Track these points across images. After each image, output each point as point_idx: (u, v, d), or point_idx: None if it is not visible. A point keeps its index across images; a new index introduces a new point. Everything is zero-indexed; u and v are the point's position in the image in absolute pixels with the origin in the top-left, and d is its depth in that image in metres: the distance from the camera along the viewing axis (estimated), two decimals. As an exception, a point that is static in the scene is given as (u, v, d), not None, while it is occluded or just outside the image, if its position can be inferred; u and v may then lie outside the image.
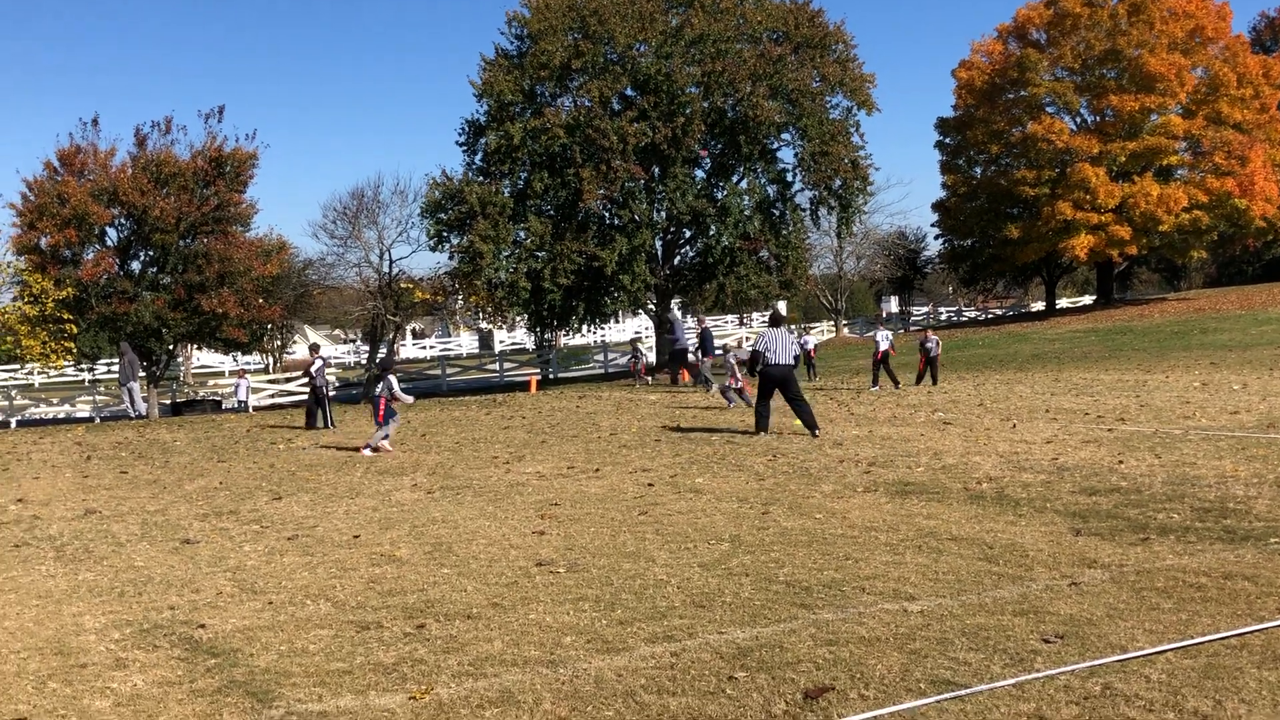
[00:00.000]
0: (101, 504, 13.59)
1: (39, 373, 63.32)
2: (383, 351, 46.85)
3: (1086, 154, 53.98)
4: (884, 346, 27.12)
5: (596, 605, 7.70)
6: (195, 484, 15.18)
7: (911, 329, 65.47)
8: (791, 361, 18.27)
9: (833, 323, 63.49)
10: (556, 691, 5.95)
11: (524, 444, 18.22)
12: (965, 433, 17.22)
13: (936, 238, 65.77)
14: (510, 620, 7.42)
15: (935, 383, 27.00)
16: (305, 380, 23.11)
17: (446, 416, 24.61)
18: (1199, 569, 8.01)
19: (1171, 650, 6.22)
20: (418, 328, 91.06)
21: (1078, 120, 57.76)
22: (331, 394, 22.09)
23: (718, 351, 29.42)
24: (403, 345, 72.53)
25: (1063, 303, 73.69)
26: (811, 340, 36.17)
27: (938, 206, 62.32)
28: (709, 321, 45.86)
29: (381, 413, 17.77)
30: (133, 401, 31.27)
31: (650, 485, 13.18)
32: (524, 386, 41.80)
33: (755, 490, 12.49)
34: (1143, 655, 6.14)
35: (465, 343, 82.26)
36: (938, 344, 27.67)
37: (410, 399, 19.10)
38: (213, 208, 39.86)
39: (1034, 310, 71.43)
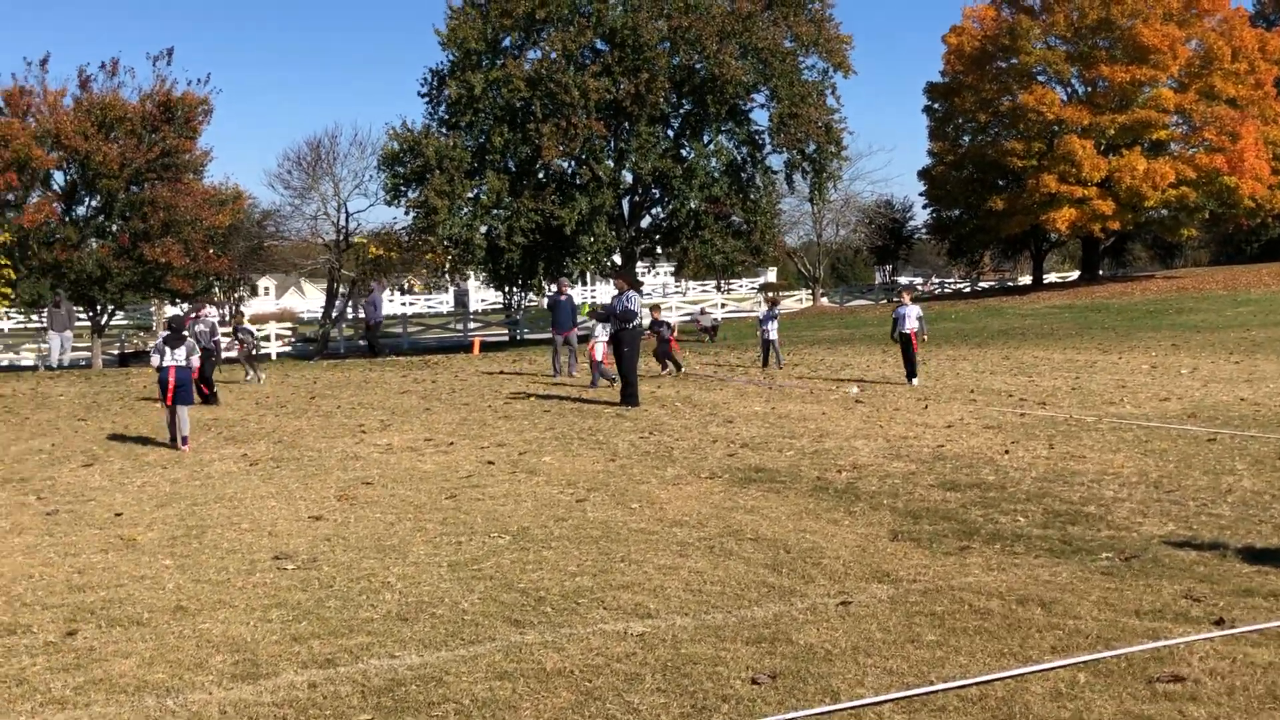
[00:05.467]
0: (-100, 466, 12.57)
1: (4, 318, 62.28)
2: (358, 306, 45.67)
3: (1076, 125, 52.46)
4: (911, 326, 20.28)
5: (289, 614, 6.66)
6: (26, 444, 14.15)
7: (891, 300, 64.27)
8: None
9: (810, 291, 62.19)
10: (127, 733, 4.91)
11: (405, 411, 17.15)
12: (871, 413, 16.14)
13: (925, 207, 64.37)
14: (178, 630, 6.39)
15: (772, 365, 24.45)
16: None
17: (358, 377, 23.54)
18: (998, 589, 6.96)
19: (892, 701, 5.18)
20: (407, 284, 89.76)
21: (1068, 90, 56.15)
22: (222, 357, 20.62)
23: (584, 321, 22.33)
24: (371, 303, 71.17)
25: (1051, 277, 72.36)
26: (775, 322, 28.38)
27: (924, 175, 60.85)
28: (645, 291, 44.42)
29: None
30: (53, 351, 30.17)
31: (490, 463, 12.14)
32: (495, 346, 40.78)
33: (594, 473, 11.43)
34: (850, 708, 5.10)
35: (448, 301, 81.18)
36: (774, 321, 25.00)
37: None
38: (159, 154, 38.67)
39: (1020, 284, 70.12)
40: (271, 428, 15.40)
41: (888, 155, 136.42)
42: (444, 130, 41.24)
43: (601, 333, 19.69)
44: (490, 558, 7.92)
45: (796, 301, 61.33)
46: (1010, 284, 72.96)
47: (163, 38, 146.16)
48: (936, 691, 5.27)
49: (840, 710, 5.07)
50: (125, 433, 15.19)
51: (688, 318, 50.81)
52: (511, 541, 8.42)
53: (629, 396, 17.13)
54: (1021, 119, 53.90)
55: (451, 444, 13.65)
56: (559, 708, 5.12)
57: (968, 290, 69.51)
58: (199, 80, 46.31)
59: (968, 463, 11.69)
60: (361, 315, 37.58)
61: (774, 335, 24.71)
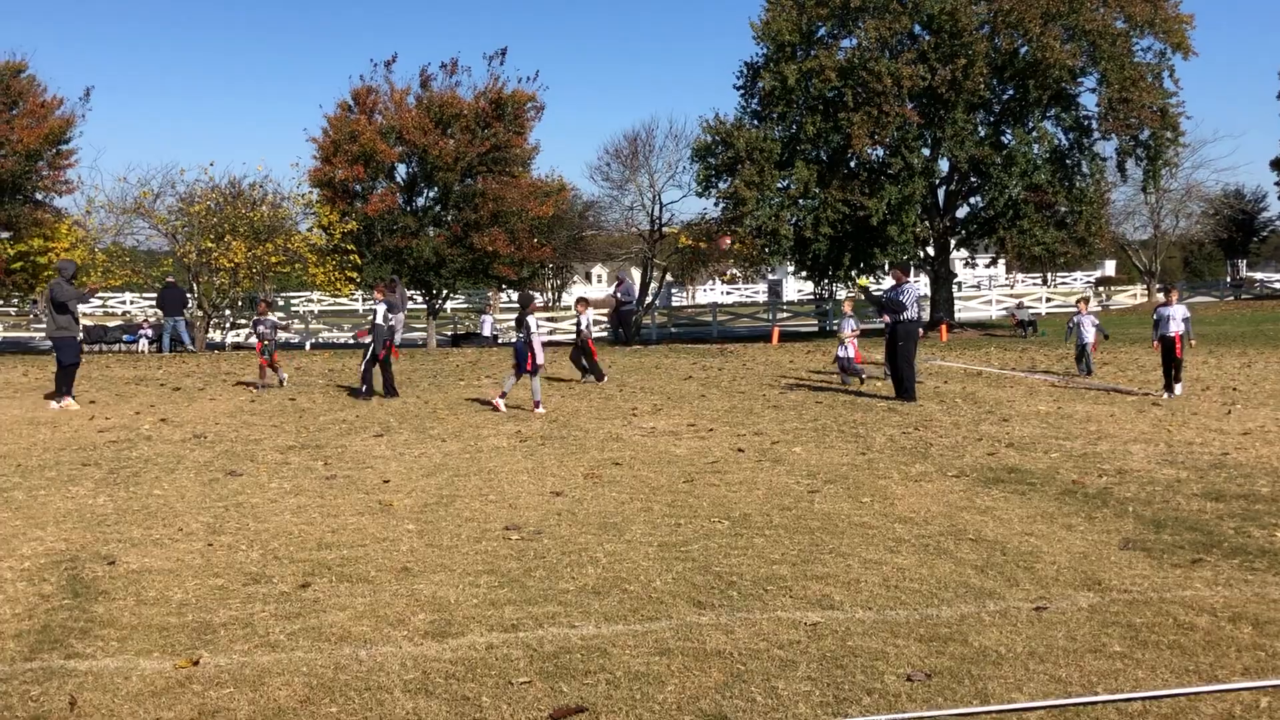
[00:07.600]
0: (220, 429, 14.11)
1: (364, 300, 67.68)
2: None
3: None
4: (1176, 329, 17.66)
5: (497, 580, 7.13)
6: (335, 415, 15.53)
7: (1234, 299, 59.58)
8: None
9: (1145, 286, 58.46)
10: (314, 676, 5.47)
11: (681, 396, 17.60)
12: (1164, 416, 15.21)
13: (1280, 197, 59.20)
14: (395, 589, 6.98)
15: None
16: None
17: (651, 363, 24.26)
18: (1213, 604, 6.54)
19: (1044, 708, 5.02)
20: (734, 274, 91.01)
21: None
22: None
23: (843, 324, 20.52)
24: (677, 291, 72.66)
25: None
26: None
27: (1277, 164, 56.04)
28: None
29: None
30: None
31: (740, 450, 12.33)
32: (799, 337, 40.93)
33: (838, 465, 11.41)
34: (995, 711, 4.99)
35: (765, 291, 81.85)
36: (1093, 325, 21.84)
37: None
38: (490, 149, 41.04)
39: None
40: (552, 407, 16.20)
41: (1235, 142, 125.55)
42: (755, 122, 41.62)
43: (848, 328, 19.69)
44: (700, 541, 8.13)
45: (1130, 297, 57.91)
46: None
47: (497, 38, 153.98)
48: (1095, 703, 5.06)
49: (985, 713, 4.97)
50: (423, 407, 16.40)
51: (1004, 311, 49.06)
52: (729, 527, 8.60)
53: (904, 391, 16.87)
54: (1396, 99, 48.73)
55: (711, 430, 13.94)
56: (704, 686, 5.28)
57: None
58: (528, 78, 48.62)
59: (1246, 472, 10.86)
60: (617, 298, 39.50)
61: (1090, 338, 21.92)
